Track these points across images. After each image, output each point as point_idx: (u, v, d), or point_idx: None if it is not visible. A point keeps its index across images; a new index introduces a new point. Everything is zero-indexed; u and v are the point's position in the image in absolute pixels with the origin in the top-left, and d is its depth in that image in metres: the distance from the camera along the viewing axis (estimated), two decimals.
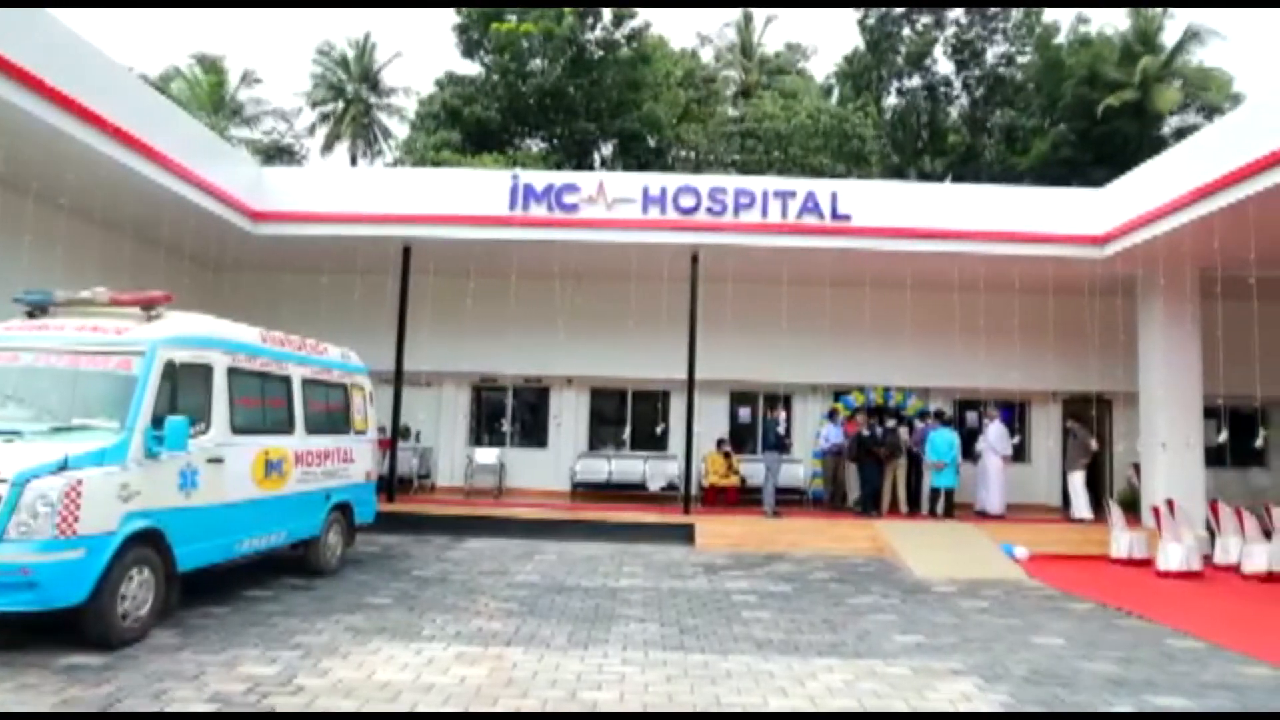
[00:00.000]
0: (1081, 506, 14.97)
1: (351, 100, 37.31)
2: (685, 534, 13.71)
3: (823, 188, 14.45)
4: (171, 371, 7.25)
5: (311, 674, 5.96)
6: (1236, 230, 11.55)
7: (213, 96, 33.78)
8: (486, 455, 16.92)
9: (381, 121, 38.17)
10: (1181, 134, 28.48)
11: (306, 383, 9.57)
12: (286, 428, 9.11)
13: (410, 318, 15.30)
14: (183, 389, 7.39)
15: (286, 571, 9.72)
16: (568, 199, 14.22)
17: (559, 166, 28.36)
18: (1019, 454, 16.70)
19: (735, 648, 7.16)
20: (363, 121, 37.61)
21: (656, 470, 16.45)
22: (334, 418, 10.29)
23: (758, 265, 15.21)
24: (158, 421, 6.88)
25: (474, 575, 10.27)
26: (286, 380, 9.21)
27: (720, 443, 16.38)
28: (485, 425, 18.16)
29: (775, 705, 5.63)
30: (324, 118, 37.52)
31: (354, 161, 37.39)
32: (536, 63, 30.54)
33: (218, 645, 6.61)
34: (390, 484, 14.61)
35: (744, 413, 17.80)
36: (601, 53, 30.39)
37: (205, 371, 7.75)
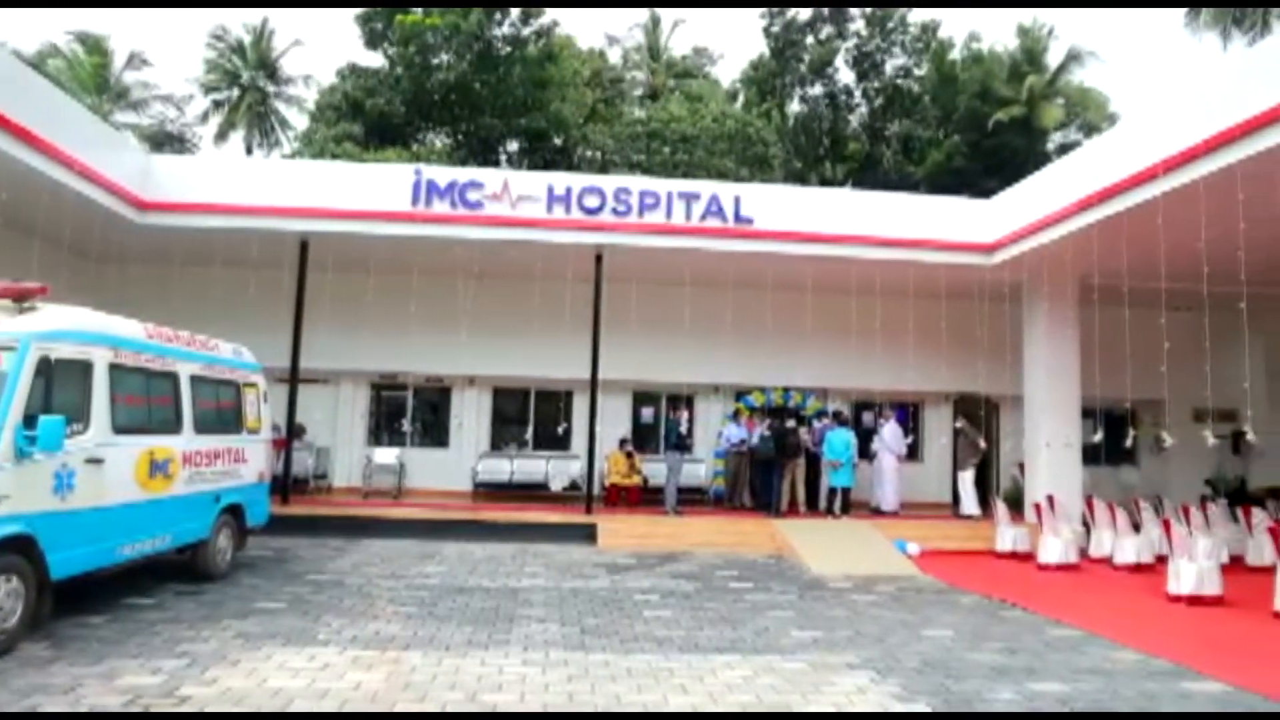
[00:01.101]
0: (970, 503, 15.60)
1: (248, 88, 35.94)
2: (587, 533, 13.73)
3: (726, 191, 14.68)
4: (46, 367, 6.87)
5: (197, 683, 5.74)
6: (1112, 242, 12.24)
7: (95, 78, 32.13)
8: (386, 455, 16.58)
9: (279, 111, 36.90)
10: (1064, 150, 29.97)
11: (196, 380, 9.21)
12: (173, 427, 8.75)
13: (307, 314, 14.87)
14: (59, 386, 7.01)
15: (173, 577, 9.33)
16: (472, 196, 14.06)
17: (463, 163, 27.95)
18: (913, 453, 17.30)
19: (636, 646, 7.22)
20: (259, 111, 36.26)
21: (559, 470, 16.42)
22: (225, 416, 9.93)
23: (661, 266, 15.34)
24: (30, 420, 6.51)
25: (371, 578, 10.06)
26: (174, 377, 8.85)
27: (623, 442, 16.46)
28: (385, 424, 17.79)
29: (675, 703, 5.70)
30: (217, 105, 36.04)
31: (249, 152, 36.07)
32: (442, 57, 30.06)
33: (95, 656, 6.30)
34: (285, 485, 14.18)
35: (647, 413, 17.93)
36: (508, 49, 30.12)
37: (84, 368, 7.37)
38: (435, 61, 29.94)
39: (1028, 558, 13.11)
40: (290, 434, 14.65)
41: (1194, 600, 9.89)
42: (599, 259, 14.77)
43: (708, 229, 14.27)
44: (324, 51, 61.95)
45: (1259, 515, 12.70)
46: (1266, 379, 15.35)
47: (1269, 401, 15.09)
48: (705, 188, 14.77)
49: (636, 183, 15.02)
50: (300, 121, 35.49)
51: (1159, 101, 11.85)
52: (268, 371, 11.55)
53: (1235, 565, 12.07)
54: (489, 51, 29.70)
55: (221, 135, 36.19)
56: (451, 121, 31.35)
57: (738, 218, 14.29)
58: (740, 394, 17.37)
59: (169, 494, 8.49)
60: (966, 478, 15.80)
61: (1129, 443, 14.74)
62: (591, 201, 14.19)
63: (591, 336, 14.92)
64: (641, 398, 17.92)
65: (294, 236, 14.30)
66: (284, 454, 14.32)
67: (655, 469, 15.99)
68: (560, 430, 16.92)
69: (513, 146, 32.59)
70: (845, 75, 38.98)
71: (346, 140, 27.83)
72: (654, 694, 5.88)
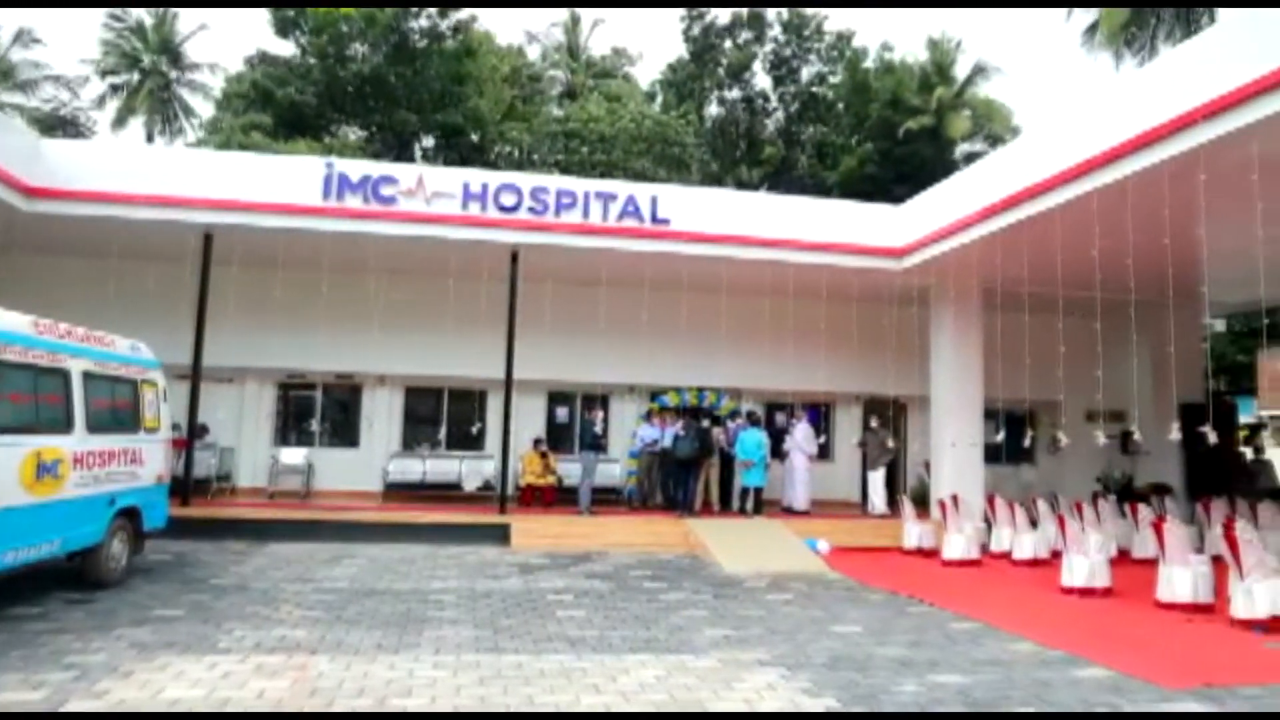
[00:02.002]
0: (879, 502, 16.01)
1: (149, 72, 34.58)
2: (501, 534, 13.62)
3: (643, 192, 14.73)
4: None
5: (85, 697, 5.49)
6: (1013, 249, 12.73)
7: None
8: (293, 455, 16.13)
9: (183, 98, 35.60)
10: (970, 159, 30.95)
11: (89, 377, 8.81)
12: (63, 426, 8.34)
13: (211, 309, 14.34)
14: None
15: (62, 585, 8.90)
16: (385, 191, 13.78)
17: (377, 157, 27.47)
18: (824, 453, 17.66)
19: (549, 647, 7.19)
20: (161, 96, 34.94)
21: (472, 470, 16.24)
22: (121, 415, 9.52)
23: (578, 266, 15.31)
24: None
25: (277, 582, 9.78)
26: (64, 374, 8.44)
27: (537, 442, 16.38)
28: (292, 424, 17.30)
29: (588, 703, 5.70)
30: (115, 89, 34.59)
31: (150, 139, 34.68)
32: (356, 48, 29.47)
33: None
34: (185, 487, 13.67)
35: (562, 412, 17.87)
36: (425, 43, 29.69)
37: None
38: (349, 52, 29.33)
39: (933, 554, 13.52)
40: (191, 434, 14.13)
41: (1085, 592, 10.35)
42: (515, 258, 14.66)
43: (624, 229, 14.30)
44: (232, 37, 59.92)
45: (1144, 511, 13.36)
46: (1153, 382, 16.18)
47: (1154, 403, 15.90)
48: (622, 188, 14.80)
49: (553, 182, 14.96)
50: (205, 109, 34.35)
51: (1057, 116, 12.38)
52: (168, 369, 11.12)
53: (1123, 558, 12.66)
54: (405, 44, 29.27)
55: (120, 121, 34.78)
56: (365, 114, 30.75)
57: (654, 218, 14.36)
58: (655, 394, 17.47)
59: (58, 497, 8.09)
60: (877, 477, 16.20)
61: (1028, 443, 15.41)
62: (508, 200, 14.07)
63: (507, 335, 14.80)
64: (557, 397, 17.85)
65: (198, 229, 13.77)
66: (185, 454, 13.81)
67: (570, 469, 15.95)
68: (474, 430, 16.73)
69: (428, 142, 32.15)
70: (762, 80, 39.66)
71: (255, 130, 27.02)
72: (567, 694, 5.88)
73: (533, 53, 37.94)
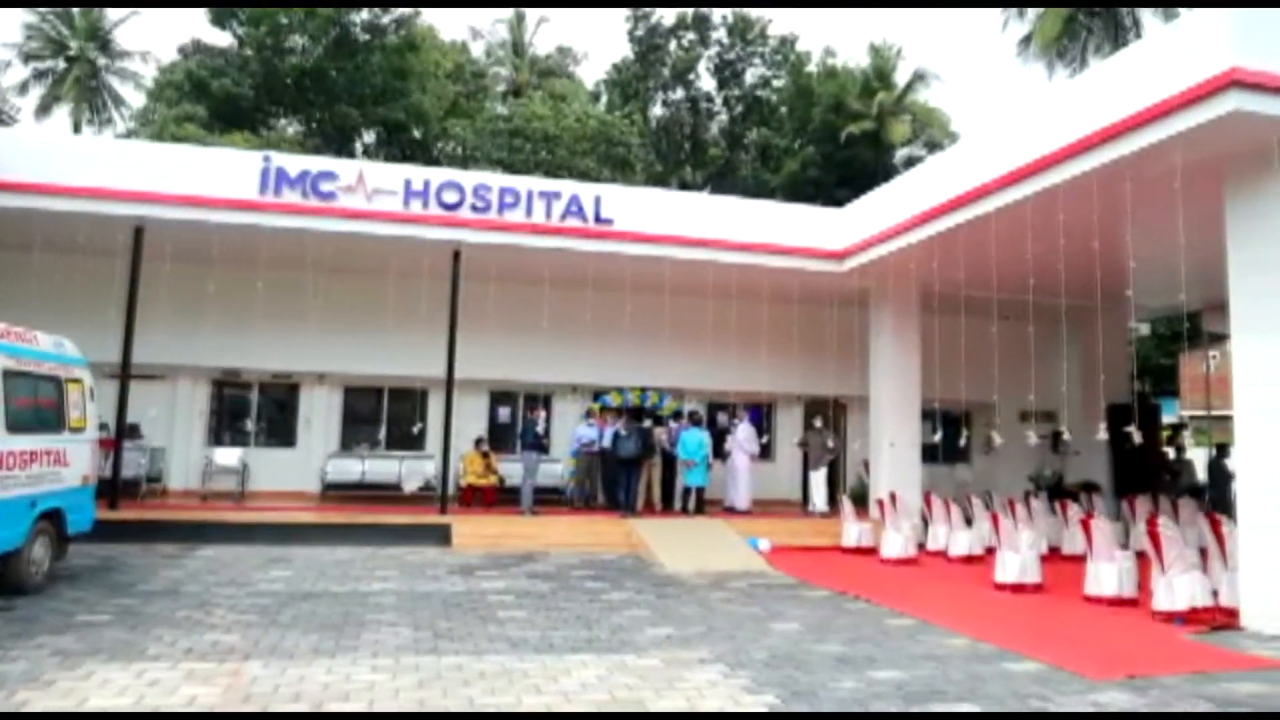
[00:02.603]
0: (820, 501, 16.22)
1: (76, 59, 33.43)
2: (441, 535, 13.47)
3: (587, 191, 14.71)
4: None
5: (3, 707, 5.29)
6: (950, 253, 13.01)
7: None
8: (227, 456, 15.75)
9: (113, 87, 34.51)
10: (910, 163, 31.52)
11: (9, 375, 8.48)
12: None
13: (142, 305, 13.91)
14: None
15: None
16: (325, 187, 13.53)
17: (316, 152, 26.92)
18: (765, 453, 17.83)
19: (490, 648, 7.14)
20: (89, 85, 33.81)
21: (413, 470, 16.04)
22: (44, 414, 9.19)
23: (520, 265, 15.22)
24: None
25: (209, 586, 9.54)
26: None
27: (479, 442, 16.25)
28: (226, 423, 16.90)
29: (529, 704, 5.67)
30: (40, 75, 33.37)
31: (77, 129, 33.54)
32: (296, 40, 28.90)
33: None
34: (114, 488, 13.25)
35: (504, 412, 17.76)
36: (367, 37, 29.23)
37: None
38: (288, 45, 28.75)
39: (871, 552, 13.73)
40: (120, 434, 13.71)
41: (1017, 588, 10.61)
42: (457, 256, 14.51)
43: (568, 229, 14.26)
44: (165, 26, 58.23)
45: (1073, 508, 13.75)
46: (1082, 384, 16.66)
47: (1083, 404, 16.38)
48: (566, 187, 14.75)
49: (496, 180, 14.86)
50: (136, 99, 33.33)
51: (993, 124, 12.68)
52: (96, 367, 10.77)
53: (1053, 554, 13.01)
54: (346, 38, 28.81)
55: (44, 109, 33.63)
56: (305, 108, 30.19)
57: (598, 218, 14.35)
58: (598, 394, 17.45)
59: None
60: (819, 477, 16.41)
61: (963, 442, 15.76)
62: (450, 197, 13.93)
63: (448, 334, 14.65)
64: (499, 397, 17.73)
65: (128, 222, 13.35)
66: (113, 455, 13.39)
67: (512, 469, 15.85)
68: (415, 430, 16.52)
69: (369, 138, 31.70)
70: (707, 82, 39.90)
71: (188, 122, 26.34)
72: (508, 696, 5.84)
73: (477, 49, 37.70)
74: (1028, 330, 14.25)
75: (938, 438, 14.92)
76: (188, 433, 16.31)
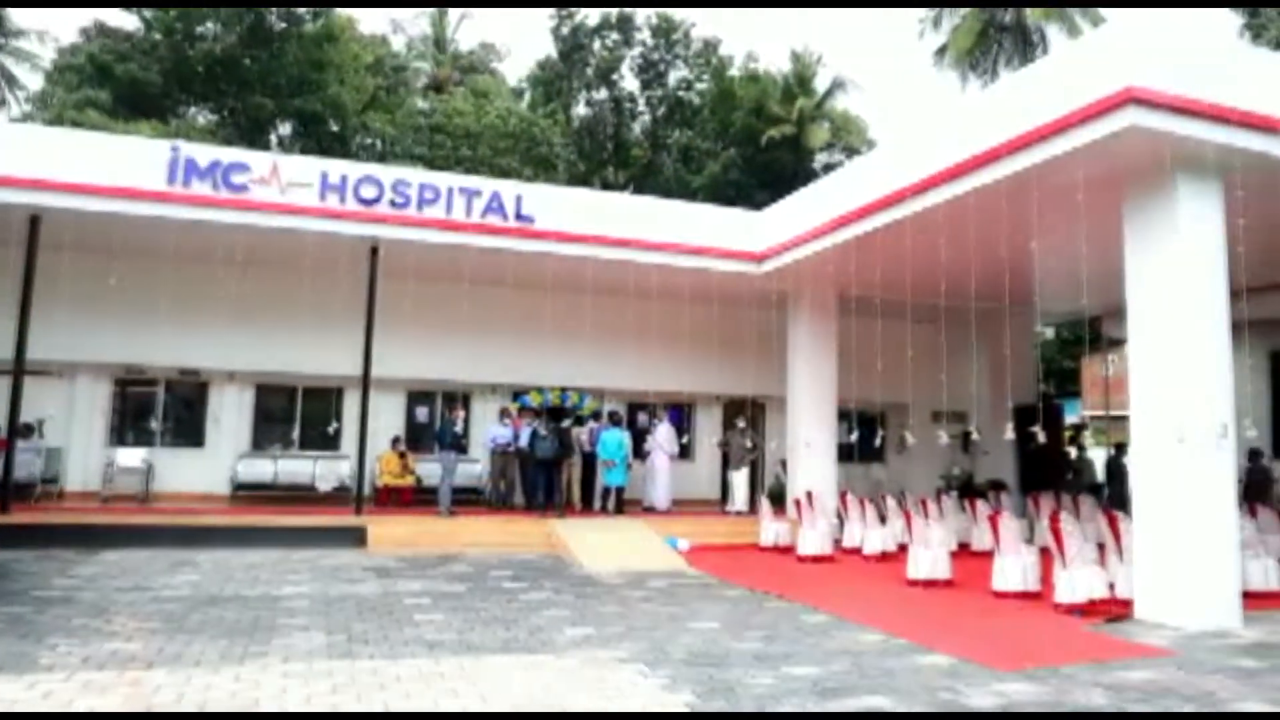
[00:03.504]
0: (740, 500, 16.41)
1: None
2: (356, 537, 13.20)
3: (508, 189, 14.59)
4: None
5: None
6: (866, 257, 13.31)
7: None
8: (130, 456, 15.11)
9: (7, 68, 32.74)
10: (828, 169, 32.13)
11: None
12: None
13: (38, 298, 13.25)
14: None
15: None
16: (236, 179, 13.11)
17: (229, 143, 26.08)
18: (684, 452, 17.96)
19: (406, 651, 7.02)
20: None
21: (327, 470, 15.68)
22: None
23: (439, 262, 15.01)
24: None
25: (109, 592, 9.15)
26: None
27: (395, 441, 15.97)
28: (130, 422, 16.23)
29: (446, 705, 5.59)
30: None
31: None
32: (208, 26, 27.92)
33: None
34: (4, 491, 12.60)
35: (421, 411, 17.50)
36: (284, 25, 28.43)
37: None
38: (199, 31, 27.76)
39: (789, 550, 13.95)
40: (13, 433, 13.05)
41: (929, 584, 10.92)
42: (374, 252, 14.24)
43: (488, 226, 14.12)
44: (64, 5, 55.68)
45: (982, 506, 14.22)
46: (990, 385, 17.23)
47: (992, 405, 16.94)
48: (486, 184, 14.61)
49: (416, 175, 14.64)
50: (34, 81, 31.71)
51: (908, 132, 13.02)
52: None
53: (963, 550, 13.42)
54: (261, 25, 27.98)
55: None
56: (216, 97, 29.24)
57: (519, 216, 14.24)
58: (518, 393, 17.33)
59: None
60: (740, 476, 16.59)
61: (878, 442, 16.14)
62: (368, 192, 13.65)
63: (365, 332, 14.35)
64: (417, 396, 17.47)
65: (21, 210, 12.70)
66: (4, 455, 12.74)
67: (429, 469, 15.62)
68: (330, 429, 16.14)
69: (285, 129, 30.83)
70: (630, 83, 39.97)
71: (90, 108, 25.25)
72: (424, 699, 5.75)
73: (397, 42, 36.99)
74: (940, 334, 14.67)
75: (853, 438, 15.25)
76: (88, 432, 15.62)
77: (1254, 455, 14.66)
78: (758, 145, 34.67)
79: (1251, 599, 9.36)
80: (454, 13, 37.81)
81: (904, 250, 12.31)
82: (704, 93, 38.82)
